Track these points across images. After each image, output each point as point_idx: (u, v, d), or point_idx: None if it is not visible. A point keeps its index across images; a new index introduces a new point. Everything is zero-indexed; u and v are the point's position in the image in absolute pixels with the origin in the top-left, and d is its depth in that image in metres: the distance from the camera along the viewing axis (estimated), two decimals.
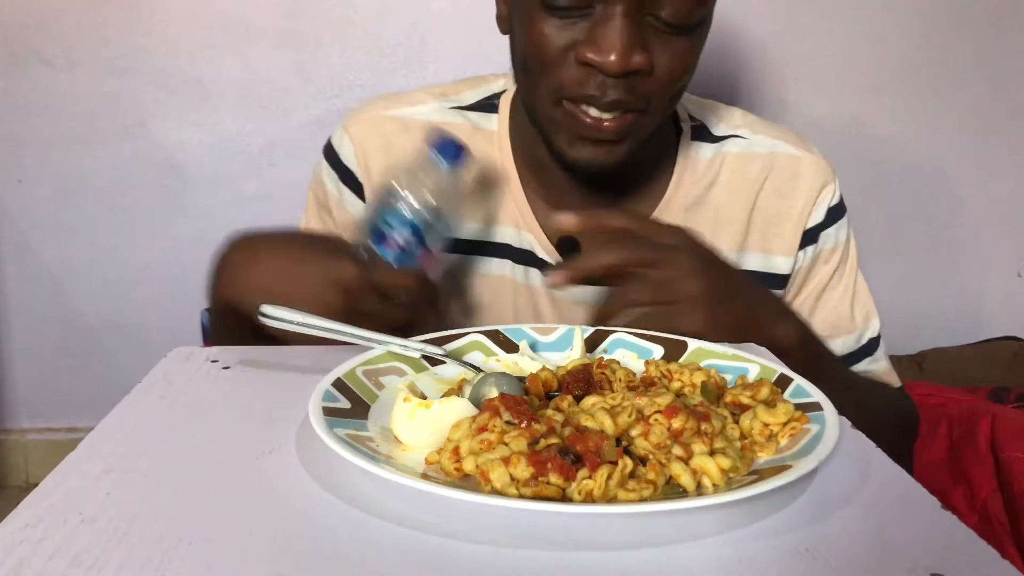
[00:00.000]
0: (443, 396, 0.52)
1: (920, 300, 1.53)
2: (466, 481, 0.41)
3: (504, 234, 0.84)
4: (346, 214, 0.85)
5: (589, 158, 0.73)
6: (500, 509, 0.39)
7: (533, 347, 0.62)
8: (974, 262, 1.57)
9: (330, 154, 0.87)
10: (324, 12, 1.45)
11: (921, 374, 1.41)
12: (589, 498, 0.39)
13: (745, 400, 0.50)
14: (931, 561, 0.35)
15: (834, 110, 1.47)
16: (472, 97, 0.87)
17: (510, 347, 0.62)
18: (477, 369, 0.57)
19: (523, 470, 0.39)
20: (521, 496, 0.39)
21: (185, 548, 0.36)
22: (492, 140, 0.84)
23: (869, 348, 0.86)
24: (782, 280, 0.86)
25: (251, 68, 1.51)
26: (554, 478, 0.39)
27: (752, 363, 0.57)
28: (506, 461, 0.40)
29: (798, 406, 0.49)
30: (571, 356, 0.60)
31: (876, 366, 0.86)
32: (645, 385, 0.54)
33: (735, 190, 0.84)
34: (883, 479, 0.44)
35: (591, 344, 0.63)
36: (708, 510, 0.40)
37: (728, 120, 0.88)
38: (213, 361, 0.62)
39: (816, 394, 0.51)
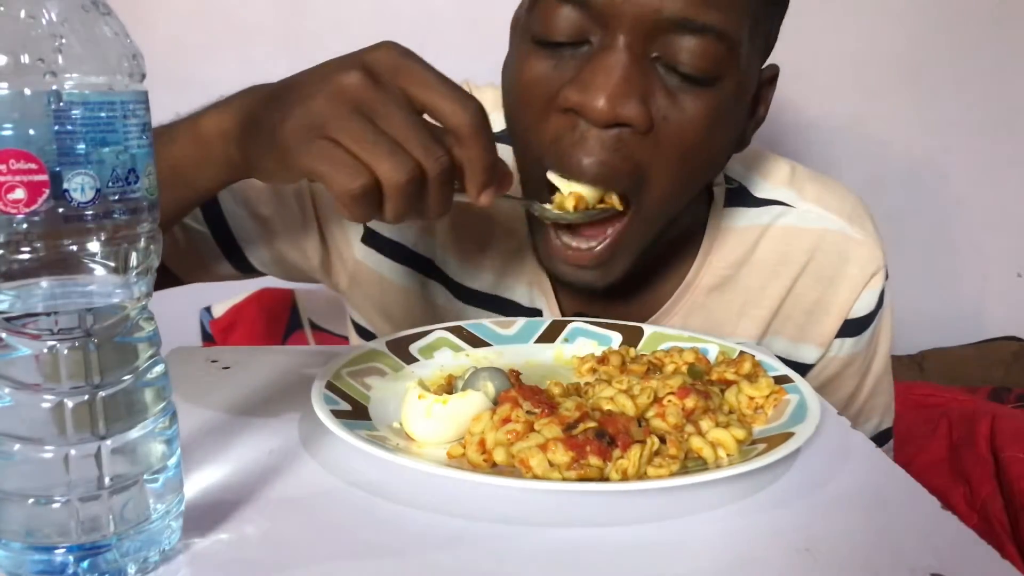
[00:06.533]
0: (434, 392, 0.53)
1: (920, 300, 1.52)
2: (496, 471, 0.43)
3: (515, 291, 0.76)
4: None
5: (572, 279, 0.64)
6: (545, 492, 0.41)
7: (495, 341, 0.63)
8: (974, 262, 1.57)
9: None
10: (324, 12, 1.45)
11: (921, 374, 1.41)
12: (624, 476, 0.41)
13: (730, 376, 0.53)
14: (931, 561, 0.35)
15: (834, 110, 1.47)
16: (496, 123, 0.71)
17: (476, 342, 0.63)
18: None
19: (561, 455, 0.41)
20: (565, 479, 0.41)
21: (185, 547, 0.36)
22: None
23: (880, 440, 0.81)
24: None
25: (251, 68, 1.50)
26: (594, 460, 0.41)
27: (710, 344, 0.60)
28: (542, 448, 0.42)
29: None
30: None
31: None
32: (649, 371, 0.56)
33: (771, 272, 0.74)
34: (883, 479, 0.44)
35: (551, 336, 0.64)
36: (735, 477, 0.41)
37: (774, 177, 0.75)
38: (213, 361, 0.62)
39: (781, 367, 0.55)
